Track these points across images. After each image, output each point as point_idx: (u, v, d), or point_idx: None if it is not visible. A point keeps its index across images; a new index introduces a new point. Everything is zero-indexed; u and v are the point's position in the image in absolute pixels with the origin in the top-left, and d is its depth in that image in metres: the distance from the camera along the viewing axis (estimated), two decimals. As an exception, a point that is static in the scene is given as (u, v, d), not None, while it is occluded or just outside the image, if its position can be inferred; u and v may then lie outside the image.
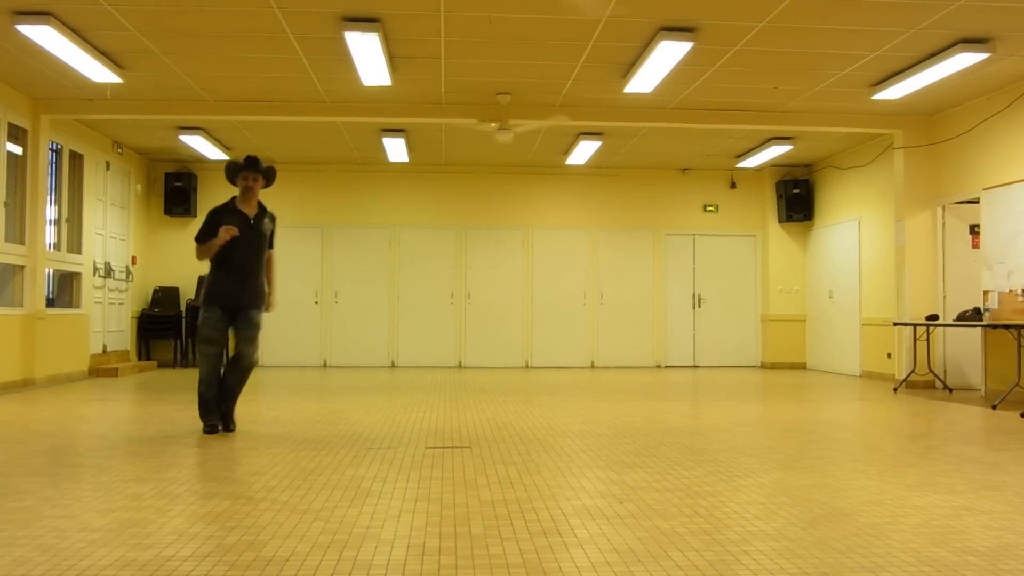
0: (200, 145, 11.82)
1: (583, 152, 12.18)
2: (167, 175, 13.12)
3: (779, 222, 13.59)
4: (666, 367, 13.64)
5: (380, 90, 9.08)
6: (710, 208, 13.93)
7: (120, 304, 12.31)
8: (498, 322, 13.60)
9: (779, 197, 13.50)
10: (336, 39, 7.49)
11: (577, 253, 13.79)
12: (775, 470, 4.66)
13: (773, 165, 13.44)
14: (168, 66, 8.34)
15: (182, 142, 11.73)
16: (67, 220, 10.66)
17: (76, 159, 10.86)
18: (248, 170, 6.01)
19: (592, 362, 13.68)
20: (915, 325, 9.57)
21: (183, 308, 13.02)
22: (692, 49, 7.63)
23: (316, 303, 13.42)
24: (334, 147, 12.28)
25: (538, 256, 13.74)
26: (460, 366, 13.48)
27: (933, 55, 7.80)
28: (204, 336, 5.94)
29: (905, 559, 3.00)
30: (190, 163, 13.19)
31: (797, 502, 3.87)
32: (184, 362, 13.03)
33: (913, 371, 9.82)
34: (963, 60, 7.72)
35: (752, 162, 12.93)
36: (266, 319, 6.35)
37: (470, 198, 13.72)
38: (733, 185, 13.91)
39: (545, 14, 6.91)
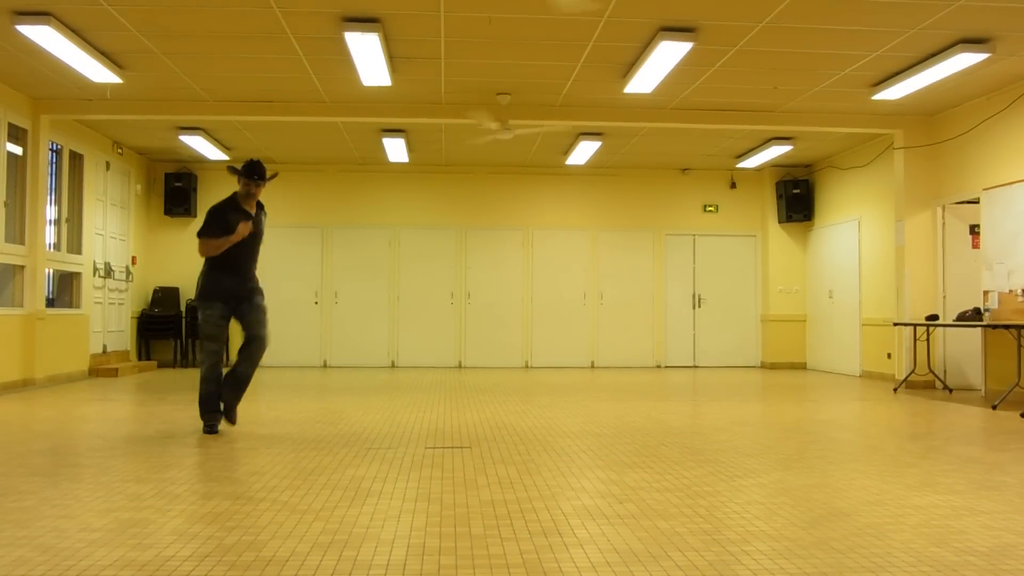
0: (200, 145, 11.82)
1: (583, 152, 12.18)
2: (167, 175, 13.12)
3: (779, 222, 13.60)
4: (666, 367, 13.64)
5: (380, 90, 9.08)
6: (710, 208, 13.93)
7: (120, 304, 12.31)
8: (498, 322, 13.60)
9: (779, 197, 13.50)
10: (336, 39, 7.49)
11: (577, 253, 13.79)
12: (775, 470, 4.66)
13: (773, 165, 13.44)
14: (168, 66, 8.34)
15: (182, 142, 11.73)
16: (67, 220, 10.66)
17: (76, 159, 10.86)
18: (252, 179, 6.00)
19: (592, 362, 13.68)
20: (915, 325, 9.57)
21: (183, 308, 13.02)
22: (692, 49, 7.63)
23: (316, 303, 13.42)
24: (334, 147, 12.28)
25: (538, 256, 13.74)
26: (460, 366, 13.48)
27: (933, 55, 7.80)
28: (207, 333, 5.95)
29: (905, 559, 3.00)
30: (190, 163, 13.19)
31: (797, 502, 3.87)
32: (184, 362, 13.03)
33: (913, 371, 9.82)
34: (963, 60, 7.72)
35: (752, 162, 12.93)
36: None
37: (470, 198, 13.72)
38: (733, 185, 13.92)
39: (545, 14, 6.91)
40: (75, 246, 10.82)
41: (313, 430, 6.14)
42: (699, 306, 13.89)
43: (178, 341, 13.04)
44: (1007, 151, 8.87)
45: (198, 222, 12.88)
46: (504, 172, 13.74)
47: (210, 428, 5.94)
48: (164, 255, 13.24)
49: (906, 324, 9.66)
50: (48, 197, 10.07)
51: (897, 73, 8.41)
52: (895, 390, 9.66)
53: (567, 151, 12.31)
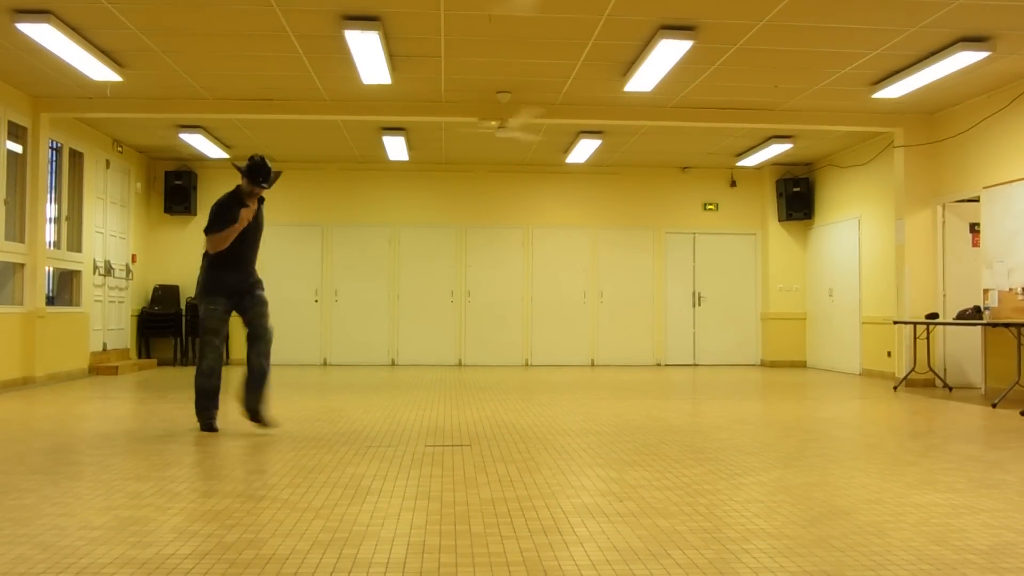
0: (200, 143, 11.82)
1: (583, 151, 12.18)
2: (167, 173, 13.12)
3: (779, 220, 13.59)
4: (666, 365, 13.64)
5: (380, 88, 9.08)
6: (710, 207, 13.93)
7: (120, 302, 12.32)
8: (498, 320, 13.60)
9: (779, 195, 13.50)
10: (336, 38, 7.48)
11: (577, 252, 13.79)
12: (775, 468, 4.66)
13: (773, 163, 13.44)
14: (168, 64, 8.34)
15: (182, 140, 11.72)
16: (67, 218, 10.66)
17: (76, 157, 10.86)
18: (259, 182, 5.99)
19: (592, 360, 13.68)
20: (915, 323, 9.57)
21: (183, 306, 13.02)
22: (692, 48, 7.63)
23: (316, 301, 13.42)
24: (334, 145, 12.28)
25: (538, 254, 13.74)
26: (460, 364, 13.48)
27: (933, 54, 7.80)
28: (211, 327, 5.93)
29: (905, 557, 3.00)
30: (190, 161, 13.19)
31: (797, 500, 3.87)
32: (184, 360, 13.04)
33: (913, 369, 9.82)
34: (963, 59, 7.72)
35: (752, 160, 12.93)
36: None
37: (470, 197, 13.72)
38: (733, 183, 13.91)
39: (545, 13, 6.91)
40: (75, 244, 10.82)
41: (313, 428, 6.14)
42: (699, 304, 13.89)
43: (178, 339, 13.05)
44: (1007, 149, 8.87)
45: (198, 220, 13.05)
46: (504, 170, 13.73)
47: (208, 425, 5.91)
48: (164, 253, 13.24)
49: (906, 322, 9.66)
50: (48, 195, 10.07)
51: (897, 71, 8.41)
52: (895, 388, 9.66)
53: (567, 149, 12.30)
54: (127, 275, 12.50)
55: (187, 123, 10.94)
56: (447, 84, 9.01)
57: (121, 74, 8.58)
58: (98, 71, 8.33)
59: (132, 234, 12.69)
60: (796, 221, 13.51)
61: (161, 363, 12.93)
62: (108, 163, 11.78)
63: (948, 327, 9.88)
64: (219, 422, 6.03)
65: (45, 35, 7.25)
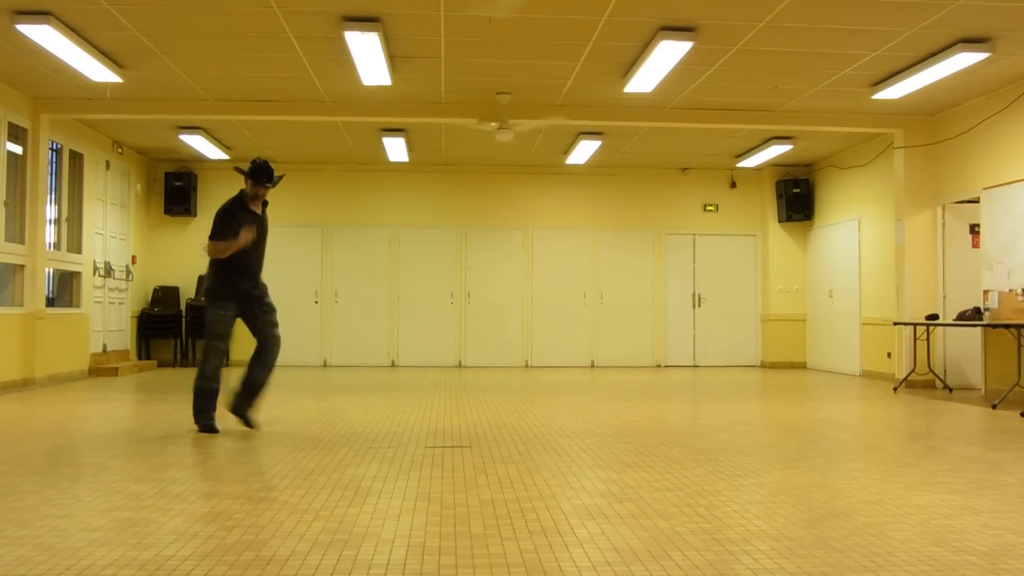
0: (200, 145, 11.82)
1: (583, 152, 12.18)
2: (167, 175, 13.12)
3: (779, 222, 13.59)
4: (666, 367, 13.64)
5: (380, 90, 9.08)
6: (710, 208, 13.93)
7: (120, 304, 12.32)
8: (498, 322, 13.60)
9: (779, 197, 13.50)
10: (336, 39, 7.48)
11: (577, 253, 13.79)
12: (775, 469, 4.66)
13: (773, 165, 13.44)
14: (168, 66, 8.34)
15: (182, 142, 11.73)
16: (67, 220, 10.66)
17: (76, 159, 10.86)
18: (261, 181, 6.01)
19: (592, 362, 13.68)
20: (915, 325, 9.57)
21: (183, 307, 13.02)
22: (692, 49, 7.63)
23: (316, 303, 13.42)
24: (334, 147, 12.28)
25: (538, 256, 13.75)
26: (460, 366, 13.48)
27: (933, 55, 7.80)
28: (219, 333, 5.95)
29: (905, 558, 3.00)
30: (190, 163, 13.19)
31: (797, 501, 3.87)
32: (184, 361, 13.03)
33: (913, 371, 9.82)
34: (963, 60, 7.72)
35: (752, 162, 12.93)
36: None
37: (470, 198, 13.72)
38: (733, 185, 13.91)
39: (545, 14, 6.91)
40: (75, 245, 10.82)
41: (313, 429, 6.14)
42: (699, 305, 13.89)
43: (178, 340, 13.05)
44: (1007, 151, 8.87)
45: (198, 221, 13.07)
46: (504, 172, 13.73)
47: (208, 426, 5.91)
48: (164, 254, 13.24)
49: (906, 323, 9.66)
50: (48, 196, 10.07)
51: (897, 73, 8.41)
52: (895, 389, 9.66)
53: (567, 151, 12.31)
54: (127, 276, 12.50)
55: (187, 124, 10.94)
56: (447, 85, 9.01)
57: (121, 75, 8.58)
58: (98, 72, 8.34)
59: (132, 235, 12.69)
60: (796, 222, 13.51)
61: (161, 364, 12.93)
62: (108, 164, 11.78)
63: (948, 328, 9.88)
64: (218, 424, 6.04)
65: (45, 36, 7.26)
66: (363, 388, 9.54)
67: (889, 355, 10.96)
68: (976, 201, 9.41)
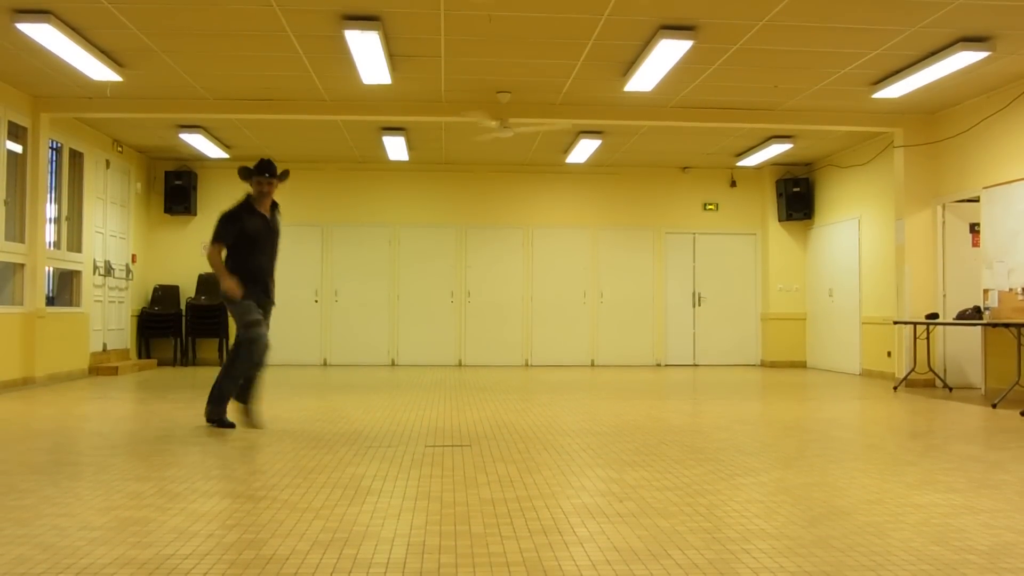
0: (200, 143, 11.82)
1: (583, 151, 12.18)
2: (167, 173, 13.12)
3: (779, 221, 13.59)
4: (666, 366, 13.64)
5: (380, 88, 9.08)
6: (710, 207, 13.93)
7: (120, 302, 12.32)
8: (498, 320, 13.60)
9: (779, 196, 13.50)
10: (336, 37, 7.48)
11: (577, 252, 13.79)
12: (775, 468, 4.66)
13: (773, 163, 13.44)
14: (168, 64, 8.34)
15: (182, 140, 11.72)
16: (67, 218, 10.66)
17: (76, 157, 10.86)
18: (264, 176, 6.01)
19: (592, 360, 13.68)
20: (915, 324, 9.57)
21: (183, 306, 13.02)
22: (692, 47, 7.63)
23: (316, 301, 13.42)
24: (334, 145, 12.28)
25: (538, 255, 13.74)
26: (460, 364, 13.48)
27: (933, 54, 7.80)
28: (255, 319, 5.97)
29: (905, 557, 3.00)
30: (190, 161, 13.19)
31: (797, 500, 3.87)
32: (184, 360, 13.03)
33: (913, 370, 9.82)
34: (963, 59, 7.72)
35: (752, 160, 12.93)
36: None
37: (470, 197, 13.72)
38: (733, 184, 13.91)
39: (545, 13, 6.91)
40: (75, 244, 10.82)
41: (313, 428, 6.14)
42: (699, 304, 13.89)
43: (178, 339, 13.04)
44: (1007, 149, 8.87)
45: (198, 220, 13.07)
46: (504, 170, 13.73)
47: (231, 422, 5.98)
48: (164, 253, 13.24)
49: (906, 322, 9.66)
50: (48, 195, 10.06)
51: (897, 71, 8.41)
52: (895, 388, 9.66)
53: (567, 149, 12.30)
54: (127, 275, 12.50)
55: (187, 123, 10.94)
56: (447, 84, 9.01)
57: (121, 74, 8.57)
58: (98, 71, 8.33)
59: (132, 234, 12.69)
60: (796, 221, 13.51)
61: (161, 363, 12.92)
62: (108, 163, 11.78)
63: (948, 327, 9.88)
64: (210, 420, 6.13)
65: (45, 35, 7.25)
66: (363, 387, 9.54)
67: (889, 354, 10.96)
68: (976, 200, 9.41)
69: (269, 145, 12.22)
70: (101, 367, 11.04)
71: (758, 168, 13.71)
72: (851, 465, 4.79)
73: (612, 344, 13.70)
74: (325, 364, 13.36)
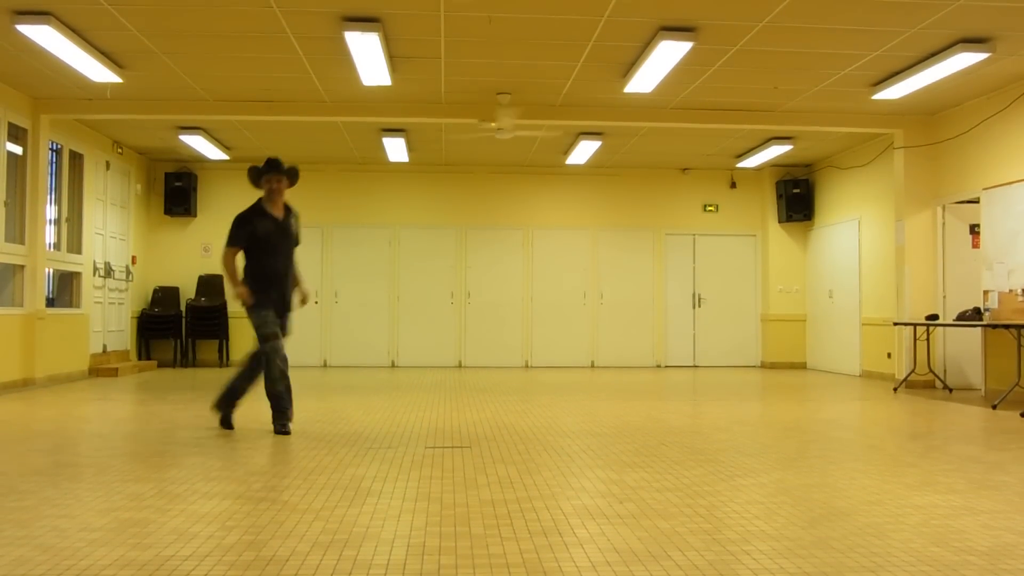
0: (200, 145, 11.82)
1: (583, 152, 12.18)
2: (167, 175, 13.12)
3: (779, 222, 13.59)
4: (666, 367, 13.64)
5: (380, 90, 9.08)
6: (710, 208, 13.93)
7: (120, 304, 12.31)
8: (498, 322, 13.60)
9: (779, 197, 13.50)
10: (336, 39, 7.49)
11: (577, 253, 13.79)
12: (775, 470, 4.66)
13: (773, 165, 13.44)
14: (168, 66, 8.34)
15: (182, 142, 11.72)
16: (67, 220, 10.66)
17: (76, 159, 10.86)
18: (271, 172, 5.97)
19: (592, 362, 13.68)
20: (915, 325, 9.57)
21: (183, 308, 13.02)
22: (692, 49, 7.63)
23: (316, 303, 13.40)
24: (334, 147, 12.28)
25: (538, 256, 13.75)
26: (460, 366, 13.48)
27: (933, 55, 7.80)
28: (272, 332, 5.88)
29: (905, 558, 3.00)
30: (190, 163, 13.18)
31: (797, 502, 3.87)
32: (184, 362, 13.03)
33: (913, 371, 9.82)
34: (963, 60, 7.72)
35: (752, 162, 12.93)
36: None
37: (470, 198, 13.72)
38: (733, 185, 13.92)
39: (545, 14, 6.91)
40: (75, 246, 10.82)
41: (313, 429, 6.14)
42: (699, 306, 13.89)
43: (178, 341, 13.04)
44: (1007, 151, 8.87)
45: (198, 221, 13.08)
46: (504, 172, 13.74)
47: (284, 427, 5.92)
48: (164, 255, 13.24)
49: (906, 324, 9.66)
50: (48, 197, 10.06)
51: (897, 73, 8.41)
52: (895, 390, 9.66)
53: (567, 151, 12.31)
54: (127, 276, 12.50)
55: (187, 124, 10.94)
56: (447, 85, 9.01)
57: (121, 75, 8.58)
58: (98, 72, 8.34)
59: (132, 235, 12.69)
60: (796, 222, 13.51)
61: (161, 365, 12.92)
62: (108, 164, 11.78)
63: (948, 328, 9.88)
64: (213, 423, 6.08)
65: (45, 36, 7.25)
66: (363, 388, 9.54)
67: (889, 355, 10.96)
68: (976, 201, 9.41)
69: (269, 146, 12.21)
70: (101, 368, 11.04)
71: (758, 169, 13.71)
72: (851, 466, 4.79)
73: (612, 345, 13.70)
74: (325, 365, 13.35)
